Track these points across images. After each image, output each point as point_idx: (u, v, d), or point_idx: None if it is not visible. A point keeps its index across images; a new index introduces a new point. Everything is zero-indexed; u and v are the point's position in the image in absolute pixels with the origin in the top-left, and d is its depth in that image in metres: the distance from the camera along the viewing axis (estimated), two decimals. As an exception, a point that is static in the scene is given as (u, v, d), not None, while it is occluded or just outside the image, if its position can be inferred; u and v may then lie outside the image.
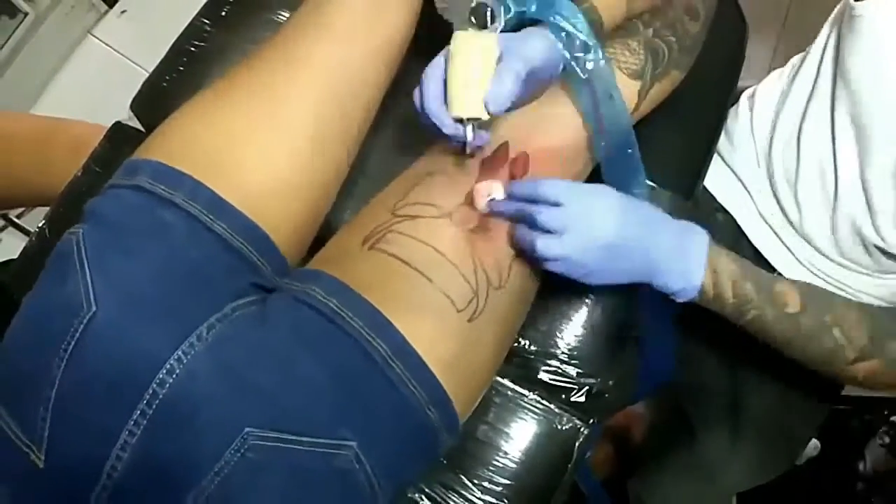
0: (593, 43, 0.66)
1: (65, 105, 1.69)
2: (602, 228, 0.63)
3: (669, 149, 0.89)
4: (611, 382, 0.84)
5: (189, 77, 0.90)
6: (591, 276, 0.66)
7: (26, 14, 1.53)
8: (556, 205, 0.63)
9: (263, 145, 0.66)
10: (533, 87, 0.66)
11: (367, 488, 0.60)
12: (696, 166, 0.91)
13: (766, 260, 0.91)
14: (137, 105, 0.92)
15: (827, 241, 0.85)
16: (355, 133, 0.73)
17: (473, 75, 0.62)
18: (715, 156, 0.95)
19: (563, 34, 0.65)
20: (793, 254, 0.89)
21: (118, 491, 0.55)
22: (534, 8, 0.65)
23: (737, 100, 0.95)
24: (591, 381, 0.83)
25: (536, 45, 0.64)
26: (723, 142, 0.95)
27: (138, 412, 0.55)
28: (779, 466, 1.02)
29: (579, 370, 0.83)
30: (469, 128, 0.64)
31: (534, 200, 0.65)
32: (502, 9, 0.64)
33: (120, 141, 0.92)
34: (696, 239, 0.67)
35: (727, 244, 0.91)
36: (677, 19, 0.76)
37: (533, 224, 0.64)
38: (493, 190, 0.68)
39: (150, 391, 0.55)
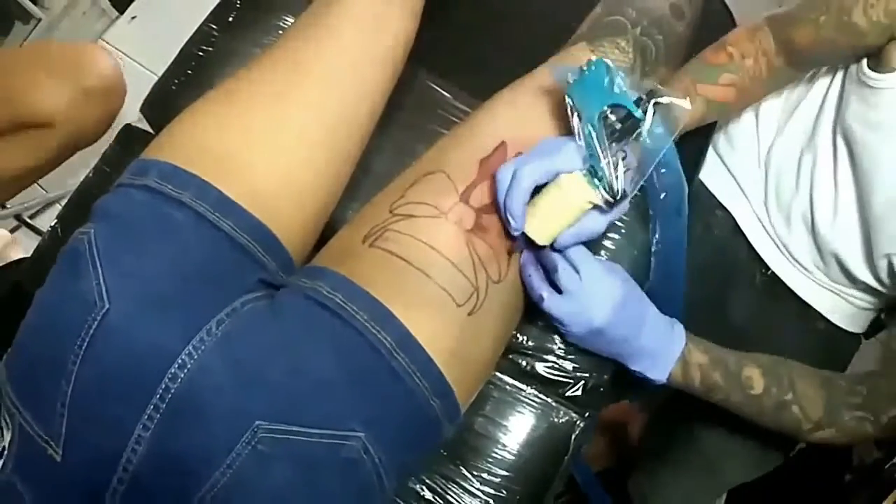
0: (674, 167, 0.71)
1: (77, 108, 1.69)
2: (598, 311, 0.70)
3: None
4: (606, 377, 0.84)
5: (197, 80, 0.90)
6: (571, 338, 0.75)
7: (39, 20, 1.54)
8: (576, 270, 0.69)
9: (270, 147, 0.66)
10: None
11: (374, 477, 0.60)
12: (690, 161, 0.91)
13: (760, 257, 0.90)
14: (147, 108, 0.92)
15: (812, 261, 0.86)
16: (360, 135, 0.73)
17: (561, 215, 0.65)
18: (715, 156, 0.94)
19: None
20: (784, 255, 0.89)
21: (134, 483, 0.55)
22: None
23: None
24: (587, 375, 0.83)
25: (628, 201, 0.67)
26: (723, 143, 0.94)
27: (151, 406, 0.55)
28: (775, 458, 1.02)
29: (575, 365, 0.83)
30: (522, 238, 0.67)
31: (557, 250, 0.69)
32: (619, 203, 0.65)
33: (130, 142, 0.92)
34: (674, 342, 0.73)
35: (725, 239, 0.91)
36: (664, 18, 0.76)
37: (549, 274, 0.69)
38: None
39: (163, 386, 0.55)
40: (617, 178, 0.62)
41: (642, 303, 0.73)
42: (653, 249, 0.80)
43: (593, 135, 0.61)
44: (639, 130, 0.60)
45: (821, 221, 0.81)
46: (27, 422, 0.57)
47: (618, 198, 0.62)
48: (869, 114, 0.71)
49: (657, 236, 0.79)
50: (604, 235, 0.83)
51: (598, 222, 0.66)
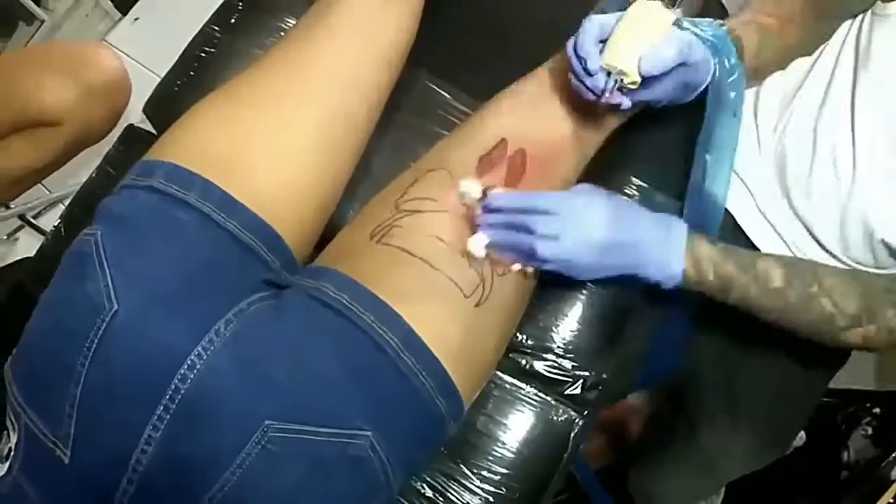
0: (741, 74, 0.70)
1: (80, 109, 1.68)
2: (594, 231, 0.67)
3: (661, 148, 0.89)
4: (604, 375, 0.84)
5: (199, 81, 0.89)
6: (583, 273, 0.69)
7: (43, 21, 1.53)
8: (555, 213, 0.66)
9: (273, 147, 0.66)
10: (678, 85, 0.67)
11: (381, 475, 0.60)
12: (689, 166, 0.91)
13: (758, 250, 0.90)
14: (150, 108, 0.92)
15: (832, 235, 0.84)
16: (360, 135, 0.73)
17: (640, 36, 0.63)
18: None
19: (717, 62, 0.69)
20: (790, 249, 0.88)
21: (143, 484, 0.55)
22: (709, 33, 0.68)
23: None
24: (586, 374, 0.83)
25: (700, 50, 0.67)
26: None
27: (161, 407, 0.55)
28: (773, 454, 1.02)
29: (574, 364, 0.83)
30: (611, 81, 0.64)
31: (528, 211, 0.67)
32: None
33: (133, 143, 0.92)
34: (675, 230, 0.69)
35: (724, 239, 0.90)
36: None
37: (531, 232, 0.66)
38: (471, 189, 0.69)
39: (172, 387, 0.55)
40: None
41: (632, 209, 0.70)
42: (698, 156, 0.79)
43: None
44: None
45: (849, 180, 0.80)
46: (34, 423, 0.57)
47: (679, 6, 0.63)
48: (894, 35, 0.73)
49: (711, 137, 0.77)
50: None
51: (674, 41, 0.63)
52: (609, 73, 0.64)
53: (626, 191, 0.87)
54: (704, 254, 0.68)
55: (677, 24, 0.65)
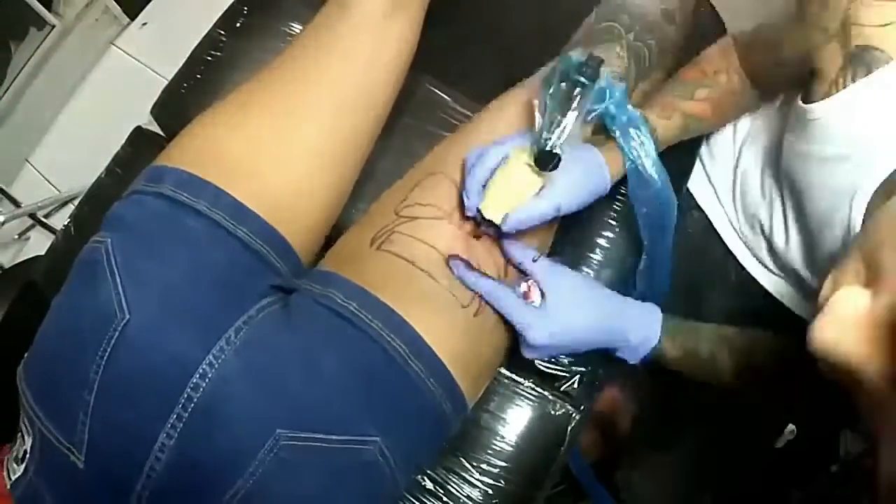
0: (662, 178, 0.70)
1: (89, 110, 1.69)
2: (573, 324, 0.68)
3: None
4: (600, 371, 0.84)
5: (205, 84, 0.89)
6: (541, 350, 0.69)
7: (53, 26, 1.53)
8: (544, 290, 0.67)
9: (282, 155, 0.66)
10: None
11: (389, 478, 0.60)
12: (681, 167, 0.91)
13: (733, 255, 0.90)
14: (157, 110, 0.92)
15: (774, 265, 0.85)
16: (366, 142, 0.73)
17: (508, 192, 0.63)
18: (698, 162, 0.94)
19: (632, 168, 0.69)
20: (755, 256, 0.88)
21: (157, 491, 0.55)
22: (617, 133, 0.67)
23: None
24: (582, 369, 0.83)
25: (589, 180, 0.66)
26: (704, 150, 0.94)
27: (174, 416, 0.54)
28: (758, 452, 1.02)
29: (571, 359, 0.83)
30: (484, 223, 0.65)
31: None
32: (603, 105, 0.64)
33: (140, 144, 0.92)
34: (649, 337, 0.72)
35: (700, 238, 0.91)
36: (656, 24, 0.75)
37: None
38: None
39: (185, 395, 0.54)
40: (551, 135, 0.60)
41: (618, 309, 0.71)
42: (640, 268, 0.80)
43: (540, 100, 0.61)
44: (580, 82, 0.59)
45: (777, 239, 0.80)
46: (48, 429, 0.56)
47: (547, 147, 0.60)
48: (797, 144, 0.68)
49: (644, 254, 0.78)
50: (592, 247, 0.83)
51: (542, 203, 0.63)
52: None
53: (623, 190, 0.87)
54: (670, 356, 0.73)
55: (554, 166, 0.62)
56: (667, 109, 0.73)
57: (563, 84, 0.60)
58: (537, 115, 0.61)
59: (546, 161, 0.61)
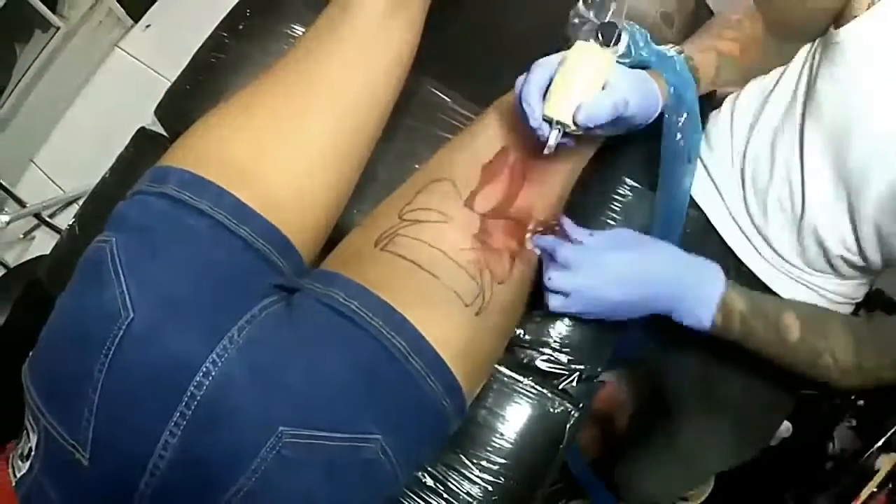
0: (694, 111, 0.70)
1: (94, 111, 1.69)
2: (607, 291, 0.70)
3: (654, 151, 0.89)
4: (599, 369, 0.84)
5: (208, 85, 0.89)
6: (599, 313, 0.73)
7: (58, 28, 1.53)
8: (565, 267, 0.69)
9: (285, 156, 0.66)
10: (622, 125, 0.66)
11: (391, 475, 0.60)
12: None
13: (733, 253, 0.90)
14: (161, 111, 0.92)
15: (791, 247, 0.85)
16: (367, 143, 0.73)
17: (578, 85, 0.60)
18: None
19: (672, 92, 0.68)
20: (758, 252, 0.88)
21: (161, 487, 0.55)
22: (654, 59, 0.67)
23: (719, 104, 0.94)
24: (581, 367, 0.83)
25: (647, 91, 0.66)
26: (702, 143, 0.94)
27: (178, 414, 0.54)
28: (752, 449, 1.01)
29: (570, 357, 0.83)
30: (554, 131, 0.62)
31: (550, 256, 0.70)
32: (629, 39, 0.63)
33: (144, 144, 0.92)
34: (711, 282, 0.71)
35: (696, 236, 0.91)
36: (655, 26, 0.76)
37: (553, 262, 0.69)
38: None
39: (189, 393, 0.54)
40: (608, 11, 0.60)
41: (658, 260, 0.72)
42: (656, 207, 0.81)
43: None
44: None
45: (800, 202, 0.80)
46: (53, 427, 0.56)
47: (604, 22, 0.60)
48: (834, 69, 0.71)
49: (661, 183, 0.79)
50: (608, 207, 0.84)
51: (612, 96, 0.61)
52: (550, 122, 0.62)
53: (619, 190, 0.87)
54: (737, 309, 0.71)
55: (622, 59, 0.62)
56: (702, 47, 0.74)
57: None
58: (581, 6, 0.61)
59: (609, 33, 0.59)
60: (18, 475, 0.58)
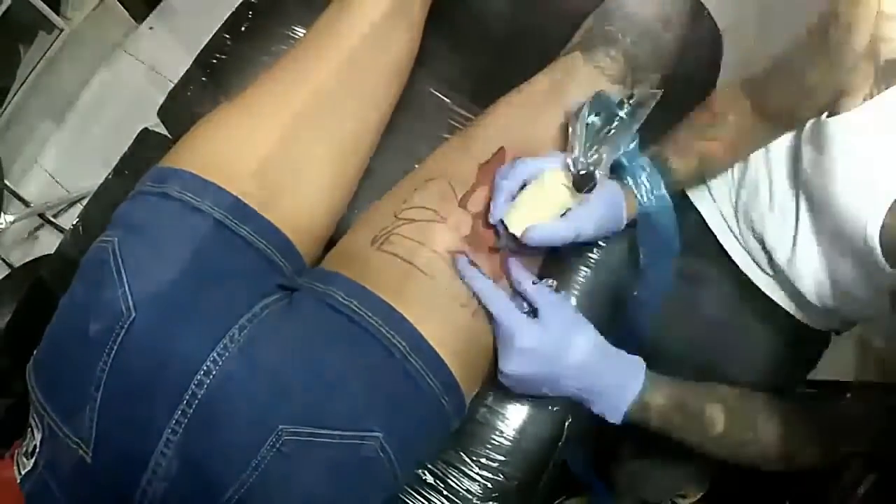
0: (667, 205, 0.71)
1: (97, 112, 1.69)
2: (562, 362, 0.66)
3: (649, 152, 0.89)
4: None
5: (211, 86, 0.89)
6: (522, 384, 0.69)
7: (62, 30, 1.53)
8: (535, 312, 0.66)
9: (286, 157, 0.66)
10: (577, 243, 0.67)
11: (390, 473, 0.59)
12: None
13: (728, 256, 0.90)
14: (163, 112, 0.92)
15: (771, 270, 0.85)
16: (368, 143, 0.73)
17: (539, 208, 0.64)
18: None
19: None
20: (751, 255, 0.88)
21: (163, 484, 0.55)
22: (653, 207, 0.69)
23: None
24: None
25: (610, 217, 0.68)
26: None
27: (179, 412, 0.54)
28: None
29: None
30: (504, 235, 0.65)
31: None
32: (641, 184, 0.68)
33: (148, 145, 0.92)
34: (631, 387, 0.69)
35: (695, 238, 0.91)
36: (652, 29, 0.75)
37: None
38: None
39: (190, 392, 0.54)
40: (589, 164, 0.62)
41: (603, 352, 0.69)
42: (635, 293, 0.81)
43: (579, 129, 0.63)
44: (618, 117, 0.63)
45: (779, 254, 0.80)
46: (56, 424, 0.56)
47: (581, 173, 0.62)
48: (822, 160, 0.68)
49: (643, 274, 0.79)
50: (585, 259, 0.83)
51: (565, 226, 0.64)
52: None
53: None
54: (655, 404, 0.70)
55: (585, 192, 0.64)
56: (683, 151, 0.74)
57: (598, 116, 0.63)
58: (575, 141, 0.64)
59: (584, 183, 0.62)
60: (23, 472, 0.58)
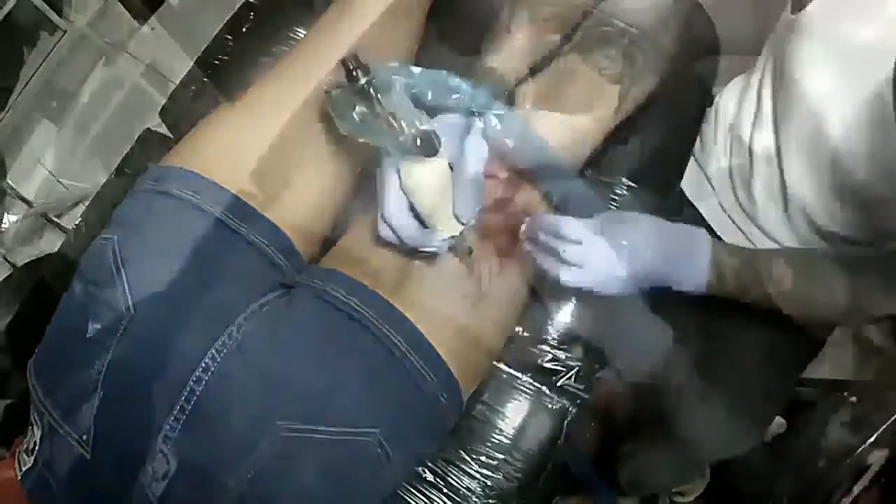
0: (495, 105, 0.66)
1: (100, 112, 1.69)
2: (616, 267, 0.66)
3: (649, 150, 0.89)
4: (596, 365, 0.84)
5: (212, 87, 0.90)
6: (612, 292, 0.68)
7: (65, 31, 1.53)
8: (578, 242, 0.65)
9: (287, 156, 0.66)
10: (497, 157, 0.64)
11: (388, 469, 0.59)
12: (675, 167, 0.91)
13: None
14: (165, 112, 0.92)
15: (784, 231, 0.85)
16: None
17: (438, 200, 0.59)
18: (692, 159, 0.94)
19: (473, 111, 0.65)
20: (752, 243, 0.88)
21: (162, 481, 0.55)
22: (430, 96, 0.63)
23: (712, 103, 0.94)
24: (579, 364, 0.83)
25: (470, 139, 0.62)
26: (696, 144, 0.94)
27: (178, 408, 0.54)
28: (748, 437, 1.01)
29: (568, 354, 0.83)
30: (446, 242, 0.62)
31: (558, 237, 0.66)
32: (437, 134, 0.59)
33: (150, 145, 0.92)
34: (700, 245, 0.69)
35: None
36: (650, 30, 0.76)
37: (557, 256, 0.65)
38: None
39: (188, 389, 0.55)
40: (410, 130, 0.56)
41: (658, 233, 0.69)
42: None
43: (390, 114, 0.57)
44: (359, 85, 0.56)
45: (780, 183, 0.80)
46: (56, 421, 0.56)
47: (420, 139, 0.56)
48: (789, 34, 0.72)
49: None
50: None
51: (465, 173, 0.60)
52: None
53: (617, 190, 0.87)
54: (727, 264, 0.69)
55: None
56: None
57: (358, 103, 0.57)
58: (392, 130, 0.57)
59: (430, 146, 0.56)
60: (24, 469, 0.58)
